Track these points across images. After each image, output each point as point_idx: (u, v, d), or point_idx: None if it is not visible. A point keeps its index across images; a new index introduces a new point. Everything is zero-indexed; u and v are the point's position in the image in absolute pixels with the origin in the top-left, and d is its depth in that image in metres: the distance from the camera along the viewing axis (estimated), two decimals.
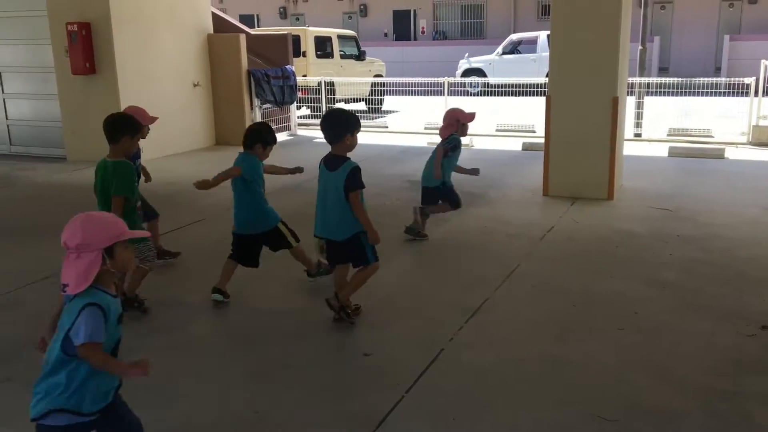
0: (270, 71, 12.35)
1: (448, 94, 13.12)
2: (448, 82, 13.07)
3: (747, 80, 11.33)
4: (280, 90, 12.41)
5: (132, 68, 10.27)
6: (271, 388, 3.61)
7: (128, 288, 4.54)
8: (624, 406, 3.38)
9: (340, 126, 4.16)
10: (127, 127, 4.42)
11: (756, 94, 11.30)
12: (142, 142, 4.88)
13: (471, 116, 6.17)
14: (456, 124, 6.14)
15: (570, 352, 3.97)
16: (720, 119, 12.71)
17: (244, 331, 4.41)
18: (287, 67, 12.73)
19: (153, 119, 5.25)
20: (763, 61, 11.55)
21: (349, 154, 4.26)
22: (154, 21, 10.72)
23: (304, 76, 15.39)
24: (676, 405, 3.39)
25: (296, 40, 15.65)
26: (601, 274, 5.30)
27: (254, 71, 12.03)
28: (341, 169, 4.11)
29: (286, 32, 14.28)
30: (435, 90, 13.73)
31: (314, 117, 15.01)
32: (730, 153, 10.36)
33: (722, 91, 13.17)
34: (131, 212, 4.32)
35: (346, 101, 16.74)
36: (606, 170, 7.56)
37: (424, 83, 13.89)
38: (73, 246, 2.34)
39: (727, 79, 12.41)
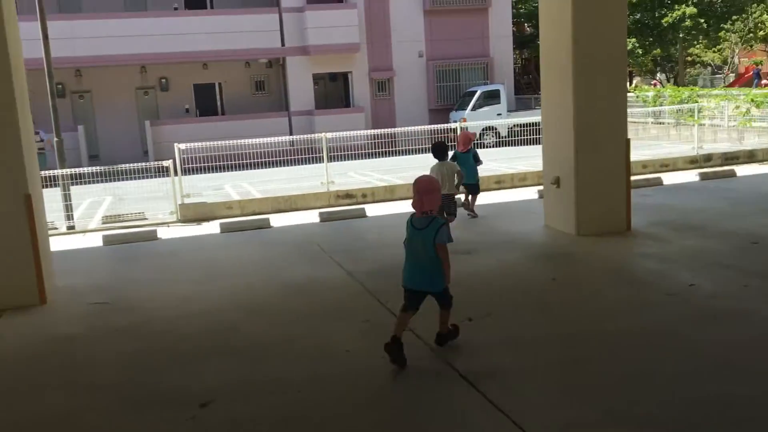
0: None
1: None
2: None
3: (166, 163, 12.11)
4: None
5: None
6: None
7: None
8: None
9: None
10: None
11: (176, 174, 12.15)
12: None
13: (474, 134, 10.52)
14: (470, 142, 10.02)
15: None
16: (153, 201, 13.28)
17: None
18: None
19: None
20: (175, 144, 12.54)
21: None
22: None
23: None
24: None
25: None
26: (33, 394, 4.75)
27: None
28: None
29: None
30: None
31: None
32: (163, 233, 10.83)
33: (152, 174, 13.84)
34: None
35: None
36: (32, 272, 6.95)
37: None
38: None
39: (148, 164, 13.05)
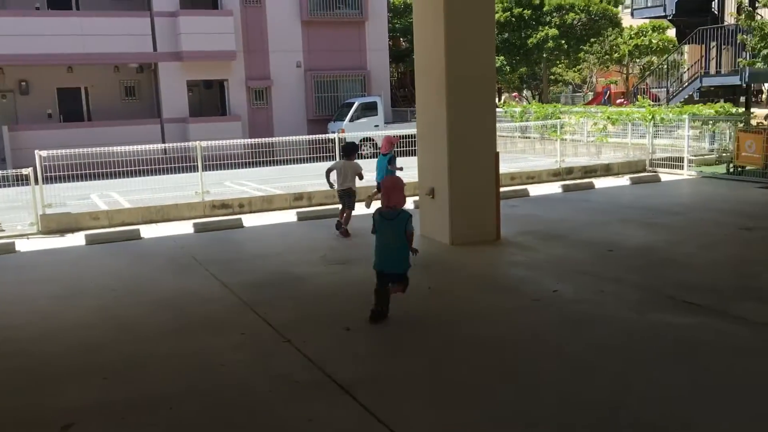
0: None
1: None
2: None
3: (25, 171, 11.34)
4: None
5: None
6: None
7: None
8: None
9: None
10: None
11: (37, 182, 11.40)
12: None
13: (396, 138, 10.81)
14: (391, 146, 10.10)
15: None
16: (11, 211, 12.37)
17: None
18: None
19: None
20: (36, 151, 11.78)
21: None
22: None
23: None
24: None
25: None
26: None
27: None
28: None
29: None
30: None
31: None
32: (22, 245, 10.12)
33: (10, 182, 12.88)
34: None
35: None
36: None
37: None
38: None
39: (5, 172, 12.17)
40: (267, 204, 12.82)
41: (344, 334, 5.62)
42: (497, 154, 8.92)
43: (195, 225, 10.72)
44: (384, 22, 27.75)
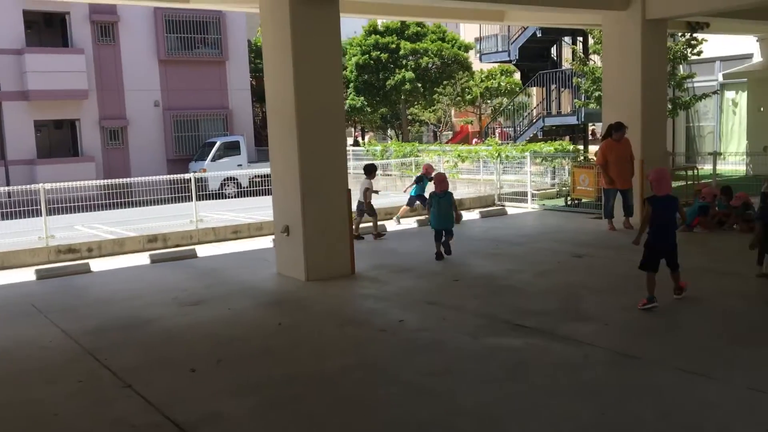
0: None
1: None
2: None
3: None
4: None
5: None
6: None
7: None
8: None
9: None
10: None
11: None
12: None
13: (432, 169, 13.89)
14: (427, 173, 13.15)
15: None
16: None
17: None
18: None
19: None
20: None
21: None
22: None
23: None
24: None
25: None
26: None
27: None
28: None
29: None
30: None
31: None
32: None
33: None
34: None
35: None
36: None
37: None
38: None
39: None
40: (119, 247, 12.39)
41: (189, 375, 5.57)
42: (349, 191, 9.20)
43: (37, 272, 10.16)
44: (245, 62, 27.84)
